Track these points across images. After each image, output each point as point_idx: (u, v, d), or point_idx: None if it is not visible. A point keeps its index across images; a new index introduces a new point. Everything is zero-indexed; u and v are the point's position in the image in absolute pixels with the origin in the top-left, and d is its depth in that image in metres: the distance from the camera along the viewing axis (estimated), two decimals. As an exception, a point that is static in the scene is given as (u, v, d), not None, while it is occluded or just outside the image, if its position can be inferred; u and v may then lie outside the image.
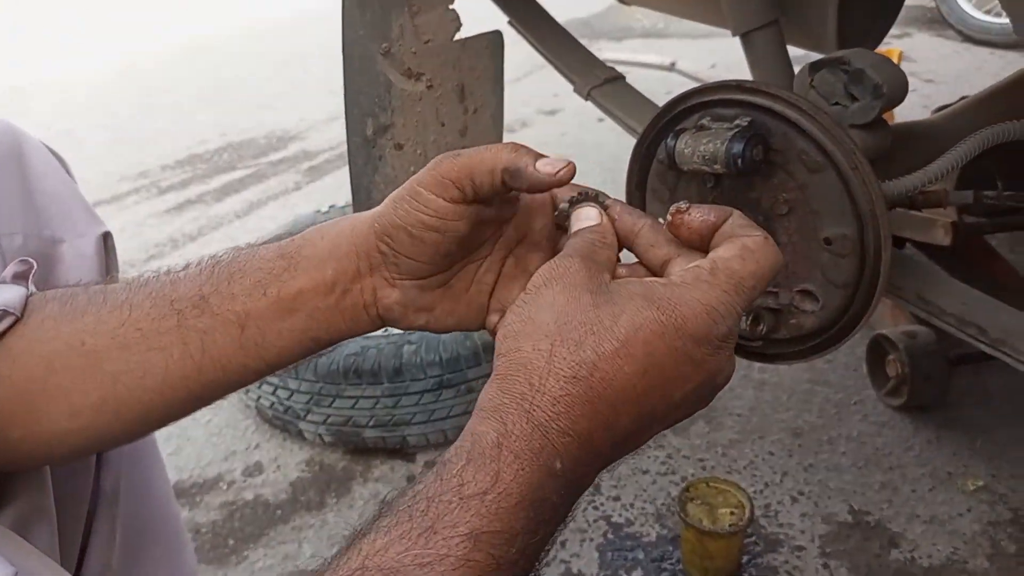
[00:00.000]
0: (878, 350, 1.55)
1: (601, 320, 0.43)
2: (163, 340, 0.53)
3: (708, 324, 0.43)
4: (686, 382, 0.44)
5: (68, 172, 0.74)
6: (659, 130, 0.89)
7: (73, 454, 0.58)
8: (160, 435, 0.76)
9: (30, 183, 0.68)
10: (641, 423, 0.44)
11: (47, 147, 0.73)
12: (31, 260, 0.59)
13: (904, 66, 3.58)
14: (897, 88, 0.85)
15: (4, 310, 0.53)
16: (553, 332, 0.43)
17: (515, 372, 0.43)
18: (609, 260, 0.49)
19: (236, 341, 0.54)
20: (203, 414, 1.70)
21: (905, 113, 2.36)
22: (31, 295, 0.56)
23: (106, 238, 0.72)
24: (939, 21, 4.20)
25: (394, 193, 0.53)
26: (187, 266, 0.56)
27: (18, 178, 0.67)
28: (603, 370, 0.42)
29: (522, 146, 0.50)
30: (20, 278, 0.58)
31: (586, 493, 1.42)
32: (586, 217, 0.52)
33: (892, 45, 3.75)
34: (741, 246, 0.46)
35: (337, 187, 3.00)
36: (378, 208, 0.54)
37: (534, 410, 0.41)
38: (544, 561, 0.44)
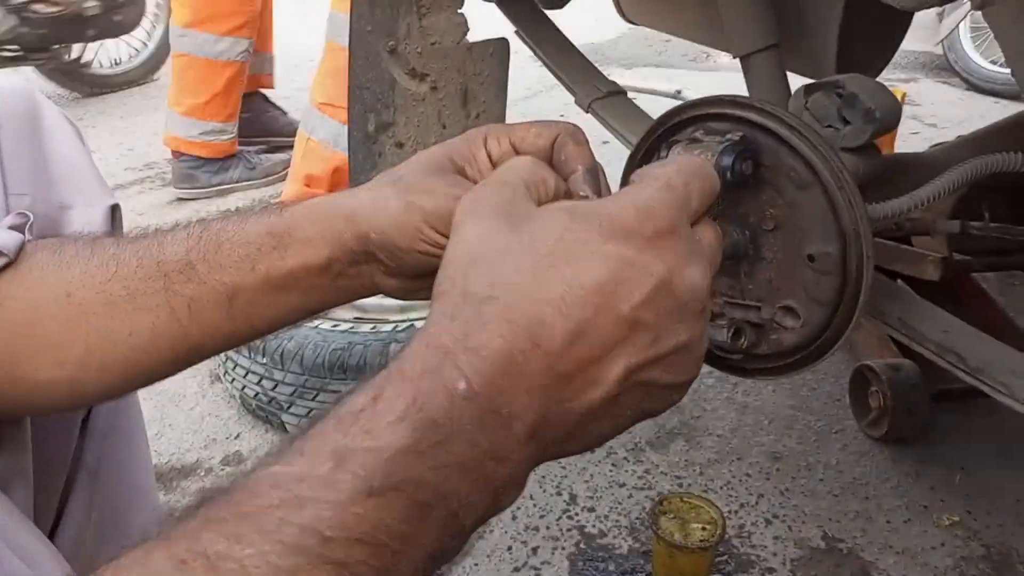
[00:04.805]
0: (862, 381, 1.56)
1: (520, 239, 0.39)
2: (150, 301, 0.54)
3: (636, 218, 0.39)
4: (631, 288, 0.38)
5: (83, 142, 0.74)
6: (653, 141, 0.91)
7: (55, 406, 0.58)
8: (142, 419, 0.77)
9: (44, 148, 0.68)
10: (584, 342, 0.37)
11: (65, 116, 0.73)
12: (28, 213, 0.59)
13: (908, 110, 3.63)
14: (889, 114, 0.86)
15: None
16: (467, 263, 0.39)
17: (433, 313, 0.39)
18: (542, 183, 0.46)
19: (224, 312, 0.55)
20: (187, 402, 1.70)
21: (905, 153, 2.38)
22: (27, 242, 0.56)
23: (114, 210, 0.72)
24: (946, 68, 4.25)
25: (391, 203, 0.51)
26: (175, 227, 0.56)
27: (33, 141, 0.67)
28: (522, 285, 0.37)
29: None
30: (16, 230, 0.58)
31: (559, 502, 1.40)
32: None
33: (897, 88, 3.79)
34: (657, 162, 0.45)
35: (339, 190, 3.01)
36: (373, 210, 0.52)
37: (440, 334, 0.37)
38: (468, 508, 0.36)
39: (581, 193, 0.48)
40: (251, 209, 0.57)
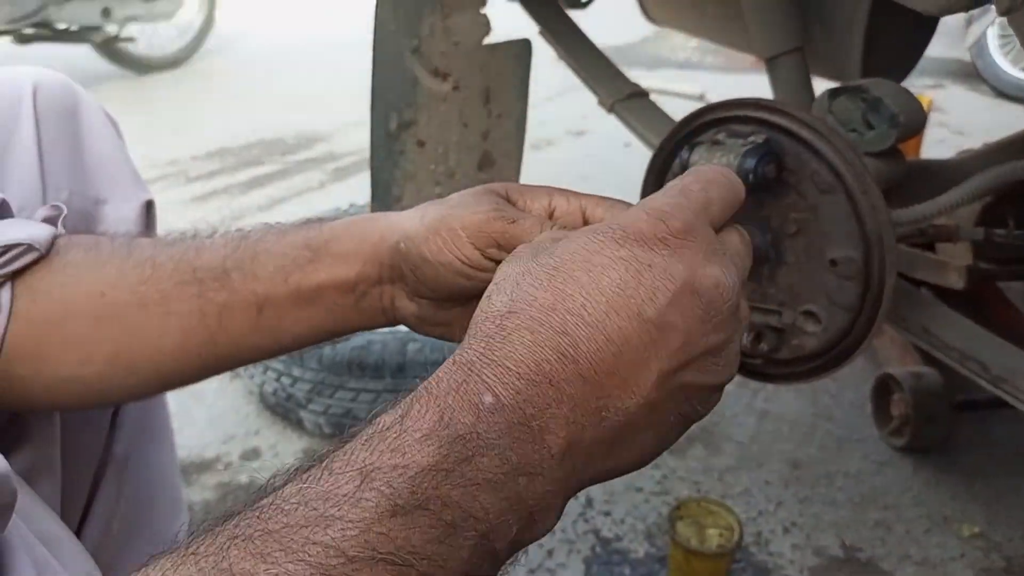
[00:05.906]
0: (883, 389, 1.54)
1: (538, 260, 0.40)
2: (183, 306, 0.55)
3: (651, 223, 0.39)
4: (653, 291, 0.38)
5: (120, 136, 0.75)
6: (675, 143, 0.90)
7: (79, 403, 0.59)
8: (165, 413, 0.78)
9: (82, 141, 0.69)
10: (610, 348, 0.37)
11: (103, 110, 0.74)
12: (62, 205, 0.60)
13: (935, 117, 3.59)
14: (914, 118, 0.86)
15: (29, 244, 0.54)
16: (493, 290, 0.40)
17: (464, 342, 0.39)
18: None
19: (253, 322, 0.55)
20: (207, 398, 1.72)
21: (930, 159, 2.35)
22: (58, 236, 0.57)
23: (149, 206, 0.73)
24: (973, 75, 4.20)
25: (430, 213, 0.52)
26: (214, 234, 0.57)
27: (70, 135, 0.68)
28: (543, 298, 0.38)
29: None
30: (50, 222, 0.59)
31: (576, 506, 1.38)
32: None
33: (924, 94, 3.75)
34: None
35: (360, 188, 3.03)
36: (408, 222, 0.53)
37: (464, 351, 0.37)
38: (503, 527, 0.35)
39: None
40: (293, 223, 0.57)
